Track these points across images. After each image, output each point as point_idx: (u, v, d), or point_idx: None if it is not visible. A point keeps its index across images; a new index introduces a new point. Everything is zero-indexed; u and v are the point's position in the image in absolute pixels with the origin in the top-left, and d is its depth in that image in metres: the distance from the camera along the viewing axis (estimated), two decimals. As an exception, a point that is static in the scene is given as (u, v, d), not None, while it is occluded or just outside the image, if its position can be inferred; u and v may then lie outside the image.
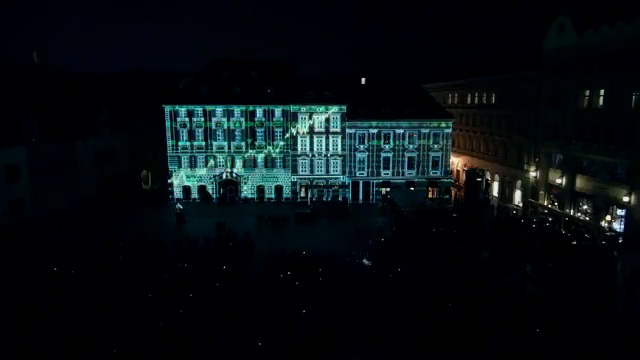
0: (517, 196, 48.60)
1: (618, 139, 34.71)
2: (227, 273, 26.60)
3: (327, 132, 53.76)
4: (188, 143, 53.70)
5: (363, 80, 60.53)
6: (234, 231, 36.95)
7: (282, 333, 19.29)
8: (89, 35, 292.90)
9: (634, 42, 33.02)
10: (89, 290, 23.35)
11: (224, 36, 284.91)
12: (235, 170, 54.43)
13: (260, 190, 55.01)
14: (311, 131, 53.74)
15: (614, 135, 35.19)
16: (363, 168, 54.74)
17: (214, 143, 53.85)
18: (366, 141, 54.14)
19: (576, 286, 24.64)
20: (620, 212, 34.92)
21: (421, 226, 36.98)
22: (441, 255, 29.41)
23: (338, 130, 53.71)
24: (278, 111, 53.53)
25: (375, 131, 53.89)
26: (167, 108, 52.85)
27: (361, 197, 55.08)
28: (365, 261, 29.72)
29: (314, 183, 54.70)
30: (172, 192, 54.14)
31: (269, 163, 54.57)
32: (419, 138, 53.99)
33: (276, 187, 55.02)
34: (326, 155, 54.30)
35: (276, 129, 53.93)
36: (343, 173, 54.65)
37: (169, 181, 54.31)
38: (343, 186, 54.67)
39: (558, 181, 41.43)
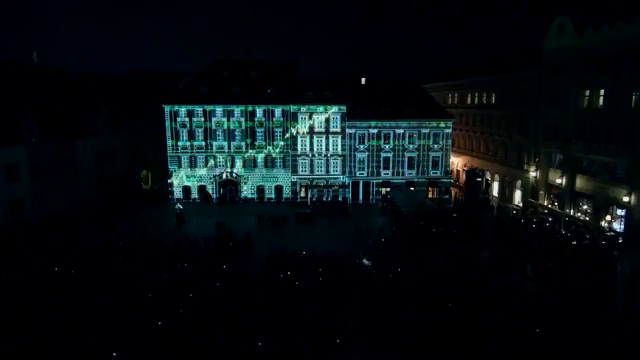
0: (517, 196, 48.60)
1: (618, 139, 34.71)
2: (227, 273, 26.61)
3: (327, 132, 53.77)
4: (188, 143, 53.70)
5: (363, 80, 60.46)
6: (234, 231, 36.94)
7: (282, 333, 19.28)
8: (89, 35, 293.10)
9: (634, 42, 33.01)
10: (89, 290, 23.35)
11: (224, 36, 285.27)
12: (235, 170, 54.44)
13: (260, 190, 55.02)
14: (311, 131, 53.75)
15: (614, 135, 35.18)
16: (363, 168, 54.74)
17: (214, 143, 53.85)
18: (366, 141, 54.14)
19: (576, 286, 24.64)
20: (620, 212, 34.92)
21: (421, 226, 36.93)
22: (441, 255, 29.43)
23: (338, 130, 53.72)
24: (278, 111, 53.55)
25: (375, 131, 53.89)
26: (167, 108, 52.87)
27: (361, 197, 55.09)
28: (365, 261, 29.68)
29: (314, 183, 54.71)
30: (172, 192, 54.16)
31: (269, 163, 54.57)
32: (419, 138, 53.99)
33: (276, 187, 55.03)
34: (326, 155, 54.30)
35: (276, 129, 53.94)
36: (343, 173, 54.66)
37: (169, 181, 54.33)
38: (343, 186, 54.67)
39: (558, 181, 41.43)
